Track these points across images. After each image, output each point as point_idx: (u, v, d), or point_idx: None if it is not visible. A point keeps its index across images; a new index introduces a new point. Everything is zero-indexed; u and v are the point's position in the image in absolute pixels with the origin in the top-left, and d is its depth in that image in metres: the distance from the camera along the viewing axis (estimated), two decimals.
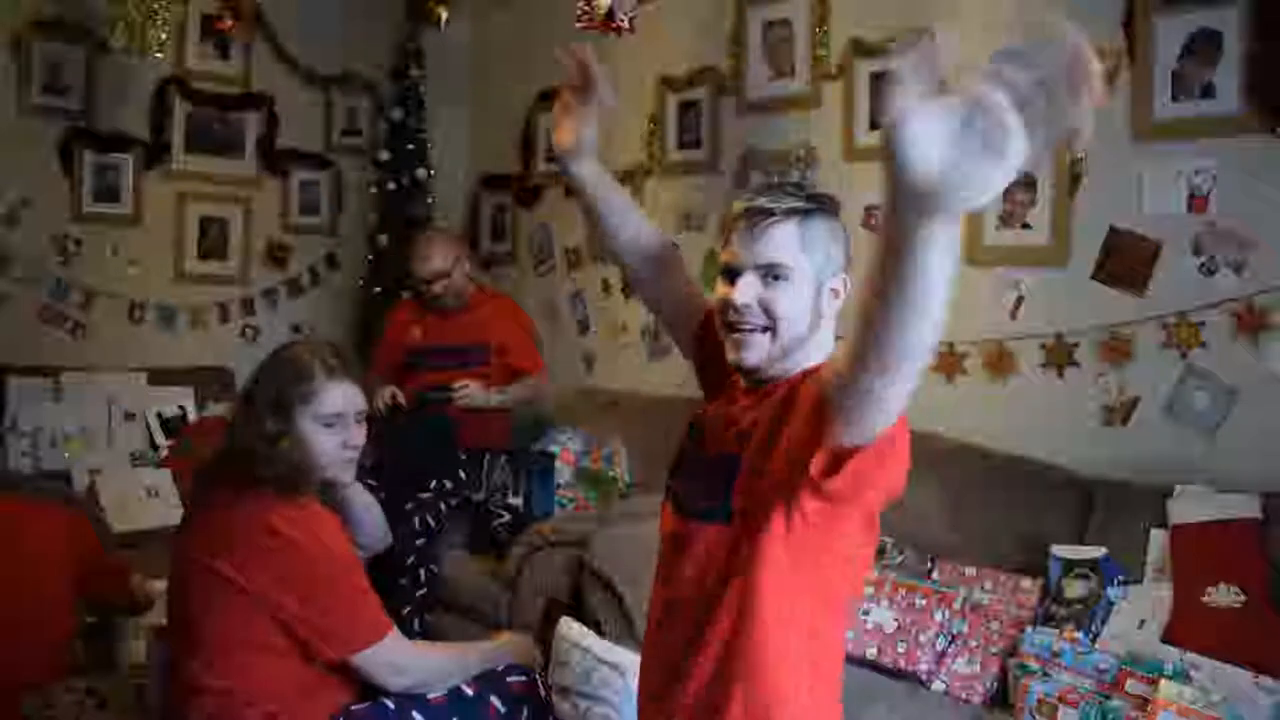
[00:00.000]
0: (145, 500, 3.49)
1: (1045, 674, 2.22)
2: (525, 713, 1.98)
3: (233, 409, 1.91)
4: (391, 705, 1.82)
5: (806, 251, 1.39)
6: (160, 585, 2.20)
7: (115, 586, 2.37)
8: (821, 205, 1.42)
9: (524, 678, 1.99)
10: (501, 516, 3.36)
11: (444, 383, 3.60)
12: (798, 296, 1.39)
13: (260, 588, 1.71)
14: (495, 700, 1.92)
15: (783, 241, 1.38)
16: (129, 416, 3.91)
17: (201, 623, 1.75)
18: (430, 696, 1.86)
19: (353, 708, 1.81)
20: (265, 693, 1.73)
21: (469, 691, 1.90)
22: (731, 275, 1.42)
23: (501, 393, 3.57)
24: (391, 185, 4.57)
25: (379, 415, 3.35)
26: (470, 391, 3.46)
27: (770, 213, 1.39)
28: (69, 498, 3.35)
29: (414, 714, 1.82)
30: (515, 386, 3.64)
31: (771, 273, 1.38)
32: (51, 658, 2.14)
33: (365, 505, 2.10)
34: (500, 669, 1.97)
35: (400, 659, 1.80)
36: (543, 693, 2.03)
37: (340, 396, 1.86)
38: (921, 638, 2.44)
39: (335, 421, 1.86)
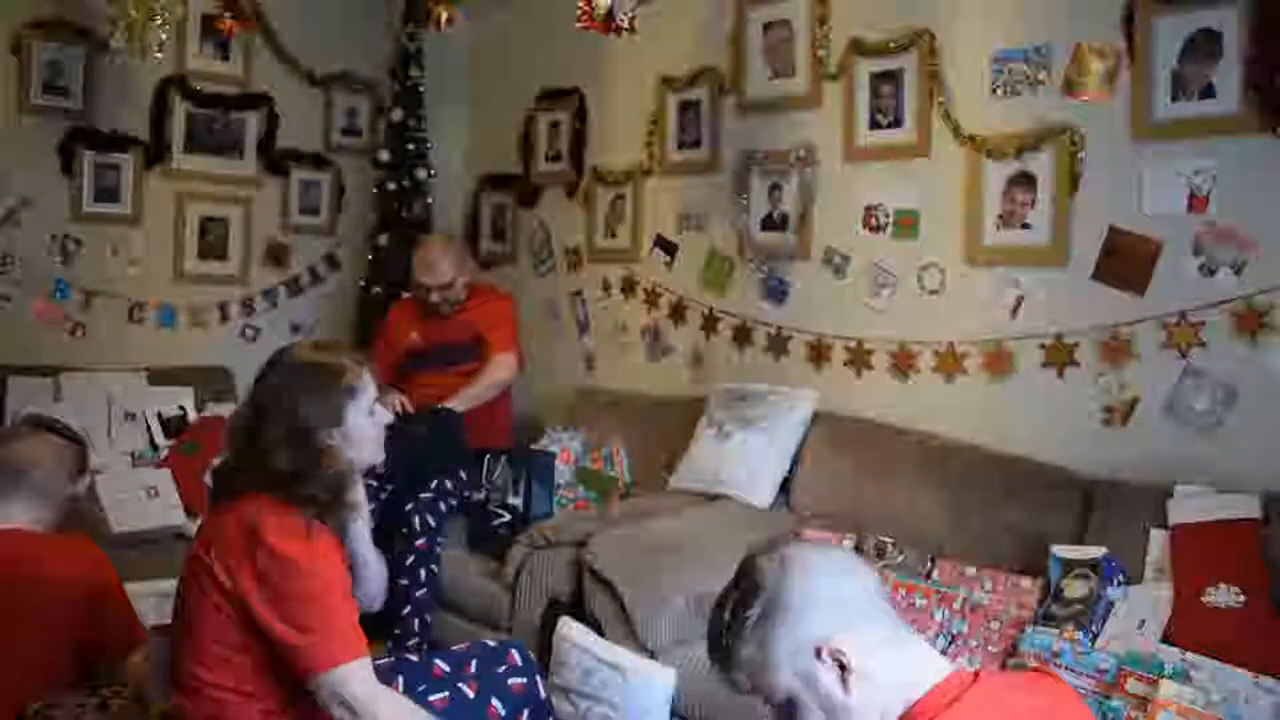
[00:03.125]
0: (145, 500, 3.48)
1: None
2: (525, 714, 1.98)
3: (249, 423, 1.80)
4: None
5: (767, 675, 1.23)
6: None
7: (116, 636, 2.15)
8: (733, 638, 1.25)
9: (524, 679, 1.99)
10: (501, 516, 3.36)
11: (442, 383, 3.61)
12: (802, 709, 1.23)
13: (242, 594, 1.69)
14: (496, 702, 1.93)
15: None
16: (129, 416, 3.90)
17: (203, 624, 1.75)
18: (431, 697, 1.87)
19: None
20: (266, 690, 1.73)
21: (470, 693, 1.90)
22: None
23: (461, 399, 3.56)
24: (391, 185, 4.57)
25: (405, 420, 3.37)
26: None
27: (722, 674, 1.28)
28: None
29: None
30: (463, 393, 3.58)
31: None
32: (56, 681, 2.10)
33: (366, 562, 2.00)
34: (500, 669, 1.98)
35: (359, 695, 1.67)
36: (543, 694, 2.04)
37: (370, 377, 1.88)
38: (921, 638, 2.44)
39: (374, 408, 1.87)
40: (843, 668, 1.18)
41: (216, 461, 1.91)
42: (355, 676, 1.68)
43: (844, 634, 1.19)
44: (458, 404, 3.53)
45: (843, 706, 1.19)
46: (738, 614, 1.24)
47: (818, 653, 1.19)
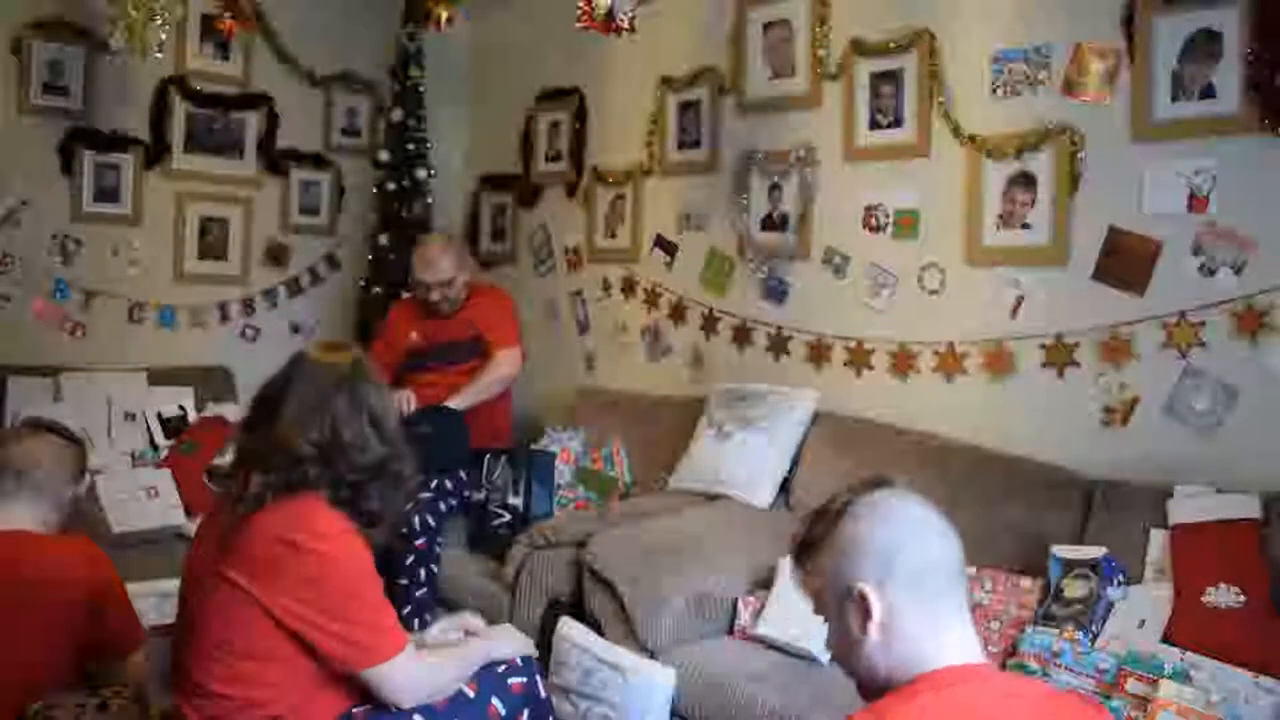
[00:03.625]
0: (145, 500, 3.49)
1: (1045, 674, 2.22)
2: (526, 714, 1.98)
3: (317, 423, 1.80)
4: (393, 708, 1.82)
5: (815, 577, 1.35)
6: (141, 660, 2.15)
7: (116, 637, 2.16)
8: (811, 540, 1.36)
9: (524, 678, 1.99)
10: (501, 516, 3.36)
11: (442, 383, 3.61)
12: (833, 629, 1.34)
13: (273, 600, 1.69)
14: (496, 701, 1.92)
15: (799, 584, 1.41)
16: (129, 416, 3.90)
17: (208, 628, 1.74)
18: None
19: (354, 710, 1.81)
20: (269, 697, 1.73)
21: (469, 693, 1.90)
22: None
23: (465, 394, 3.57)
24: (391, 185, 4.57)
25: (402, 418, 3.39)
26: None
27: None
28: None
29: (415, 715, 1.82)
30: (467, 390, 3.59)
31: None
32: (56, 681, 2.11)
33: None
34: (500, 669, 1.97)
35: (411, 676, 1.80)
36: (543, 693, 2.03)
37: None
38: None
39: None
40: (866, 614, 1.26)
41: (221, 466, 1.90)
42: (404, 665, 1.77)
43: (880, 587, 1.26)
44: (461, 400, 3.52)
45: (856, 642, 1.28)
46: (814, 530, 1.35)
47: (849, 591, 1.27)
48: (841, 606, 1.29)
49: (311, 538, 1.72)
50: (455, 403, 3.52)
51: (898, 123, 3.25)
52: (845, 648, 1.30)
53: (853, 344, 3.38)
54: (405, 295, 4.14)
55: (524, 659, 2.05)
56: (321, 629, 1.71)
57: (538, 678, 2.04)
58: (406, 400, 3.51)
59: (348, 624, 1.72)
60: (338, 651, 1.73)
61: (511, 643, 2.06)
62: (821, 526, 1.33)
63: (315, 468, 1.78)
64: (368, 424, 1.83)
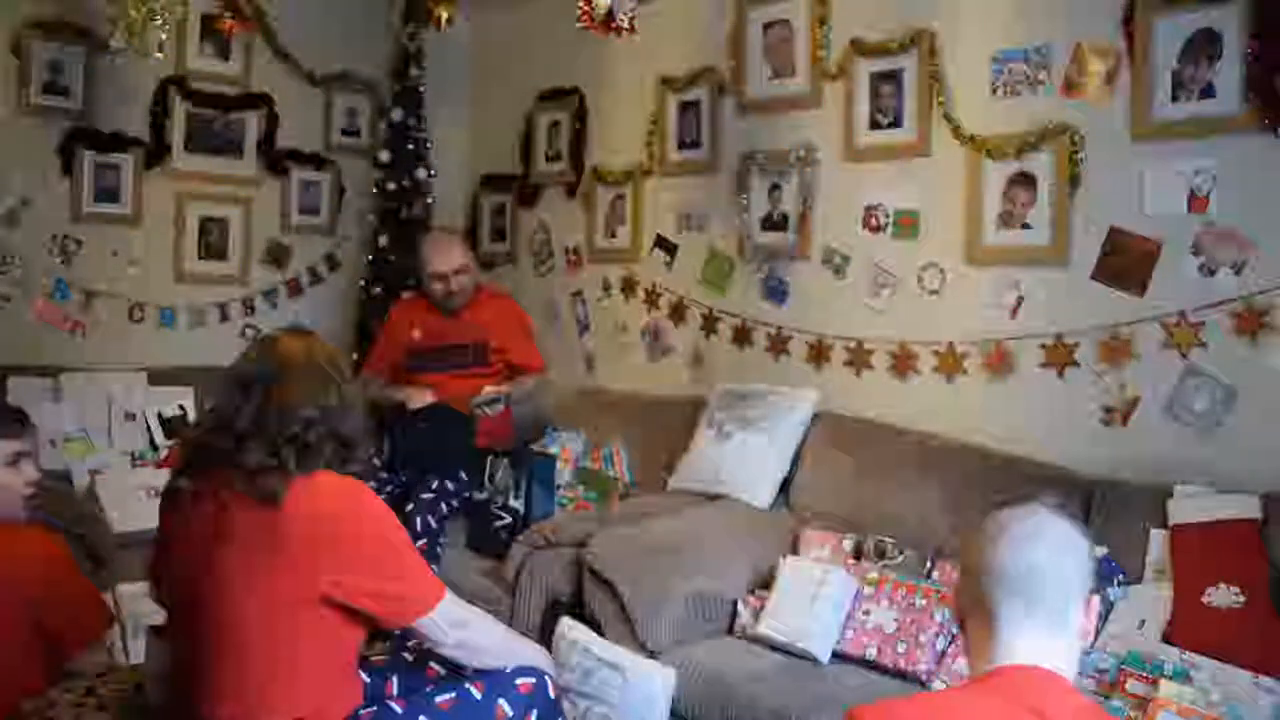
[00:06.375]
0: (145, 500, 3.48)
1: None
2: (534, 715, 1.96)
3: (320, 398, 1.84)
4: (398, 709, 1.81)
5: None
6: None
7: (72, 632, 2.17)
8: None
9: (532, 679, 1.98)
10: (502, 519, 3.35)
11: (442, 384, 3.61)
12: None
13: (315, 579, 1.68)
14: (503, 702, 1.91)
15: None
16: (129, 416, 3.91)
17: (231, 632, 1.71)
18: (438, 699, 1.85)
19: (360, 712, 1.80)
20: (295, 697, 1.71)
21: (476, 694, 1.88)
22: None
23: (511, 385, 3.67)
24: (391, 185, 4.57)
25: (413, 415, 3.42)
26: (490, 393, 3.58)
27: None
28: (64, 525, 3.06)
29: (420, 717, 1.81)
30: (516, 384, 3.66)
31: None
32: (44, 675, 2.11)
33: None
34: (508, 670, 1.96)
35: (459, 612, 1.86)
36: (552, 694, 2.01)
37: None
38: (921, 638, 2.44)
39: None
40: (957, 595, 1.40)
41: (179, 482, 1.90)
42: (453, 603, 1.84)
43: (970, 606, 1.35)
44: (516, 391, 3.66)
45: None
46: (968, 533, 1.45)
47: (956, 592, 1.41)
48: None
49: (336, 501, 1.74)
50: (514, 390, 3.65)
51: (898, 123, 3.25)
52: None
53: (853, 344, 3.38)
54: (407, 294, 4.14)
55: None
56: (369, 590, 1.72)
57: (546, 677, 2.02)
58: (418, 396, 3.52)
59: (392, 580, 1.75)
60: (388, 608, 1.76)
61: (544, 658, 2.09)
62: (973, 532, 1.44)
63: (323, 439, 1.79)
64: (348, 389, 1.91)
